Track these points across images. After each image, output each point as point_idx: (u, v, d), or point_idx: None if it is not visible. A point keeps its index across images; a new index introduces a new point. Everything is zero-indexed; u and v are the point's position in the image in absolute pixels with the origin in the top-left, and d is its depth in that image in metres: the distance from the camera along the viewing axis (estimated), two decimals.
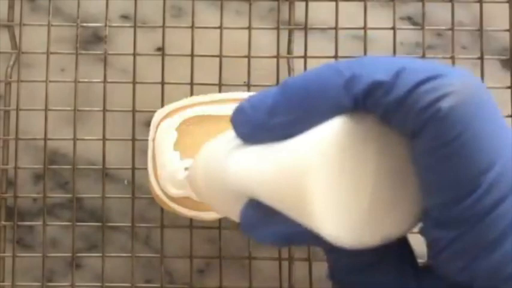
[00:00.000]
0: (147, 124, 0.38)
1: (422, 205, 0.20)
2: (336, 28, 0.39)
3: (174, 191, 0.35)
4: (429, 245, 0.20)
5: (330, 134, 0.19)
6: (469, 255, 0.18)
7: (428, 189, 0.19)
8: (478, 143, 0.18)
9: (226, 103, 0.37)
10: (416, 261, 0.22)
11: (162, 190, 0.36)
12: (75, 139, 0.39)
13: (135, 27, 0.39)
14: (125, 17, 0.42)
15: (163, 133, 0.36)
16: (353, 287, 0.21)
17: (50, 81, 0.39)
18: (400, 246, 0.21)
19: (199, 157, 0.25)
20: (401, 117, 0.18)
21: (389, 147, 0.19)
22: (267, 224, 0.21)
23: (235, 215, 0.23)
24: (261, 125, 0.21)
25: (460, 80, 0.18)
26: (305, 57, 0.39)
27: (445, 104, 0.18)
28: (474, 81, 0.19)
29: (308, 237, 0.20)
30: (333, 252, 0.21)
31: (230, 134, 0.23)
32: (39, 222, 0.39)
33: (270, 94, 0.21)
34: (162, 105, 0.38)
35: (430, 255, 0.20)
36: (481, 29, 0.39)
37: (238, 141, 0.22)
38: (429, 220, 0.19)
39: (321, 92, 0.19)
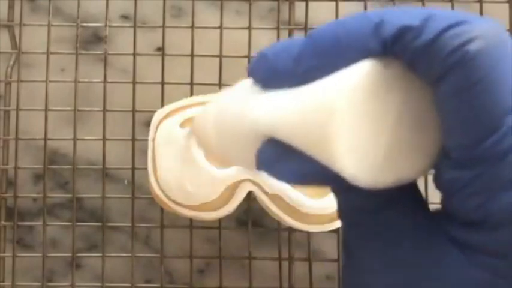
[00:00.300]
0: (147, 124, 0.38)
1: (440, 149, 0.20)
2: None
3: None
4: (445, 186, 0.21)
5: (356, 77, 0.19)
6: (486, 194, 0.19)
7: (450, 131, 0.20)
8: (502, 86, 0.19)
9: None
10: (428, 207, 0.22)
11: (162, 190, 0.36)
12: (75, 139, 0.39)
13: (135, 27, 0.39)
14: (125, 17, 0.42)
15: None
16: (363, 229, 0.21)
17: (50, 81, 0.39)
18: (413, 191, 0.22)
19: (209, 106, 0.26)
20: (429, 61, 0.19)
21: (412, 94, 0.20)
22: (285, 161, 0.21)
23: (249, 160, 0.23)
24: (286, 71, 0.21)
25: (486, 26, 0.19)
26: None
27: (472, 47, 0.18)
28: (499, 28, 0.19)
29: (324, 176, 0.21)
30: (347, 192, 0.21)
31: (246, 83, 0.24)
32: (39, 222, 0.39)
33: (296, 42, 0.22)
34: (162, 105, 0.38)
35: (445, 196, 0.21)
36: None
37: (256, 88, 0.23)
38: (448, 162, 0.20)
39: (349, 37, 0.20)
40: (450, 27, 0.19)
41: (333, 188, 0.22)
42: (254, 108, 0.22)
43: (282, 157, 0.21)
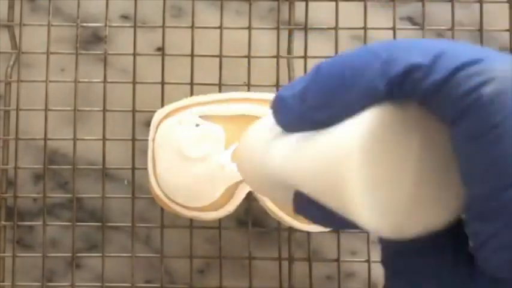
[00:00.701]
0: (147, 124, 0.38)
1: (465, 196, 0.19)
2: (336, 28, 0.39)
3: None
4: (470, 239, 0.19)
5: (369, 124, 0.18)
6: None
7: (467, 179, 0.18)
8: None
9: (226, 103, 0.37)
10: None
11: (162, 190, 0.36)
12: (75, 139, 0.39)
13: (135, 27, 0.39)
14: (125, 17, 0.42)
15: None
16: (403, 274, 0.20)
17: (50, 81, 0.39)
18: (453, 231, 0.20)
19: (242, 147, 0.25)
20: (440, 104, 0.18)
21: (431, 137, 0.19)
22: (314, 209, 0.21)
23: (284, 201, 0.23)
24: (295, 111, 0.21)
25: (503, 65, 0.17)
26: (305, 57, 0.39)
27: (487, 90, 0.17)
28: None
29: (354, 224, 0.20)
30: (381, 238, 0.20)
31: (270, 119, 0.23)
32: (39, 222, 0.39)
33: (304, 78, 0.21)
34: (162, 105, 0.38)
35: (472, 249, 0.19)
36: (481, 29, 0.39)
37: (278, 128, 0.22)
38: (469, 212, 0.19)
39: (355, 75, 0.19)
40: (462, 66, 0.17)
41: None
42: (273, 160, 0.22)
43: (311, 204, 0.21)
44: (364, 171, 0.18)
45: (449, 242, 0.20)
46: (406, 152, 0.18)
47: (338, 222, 0.21)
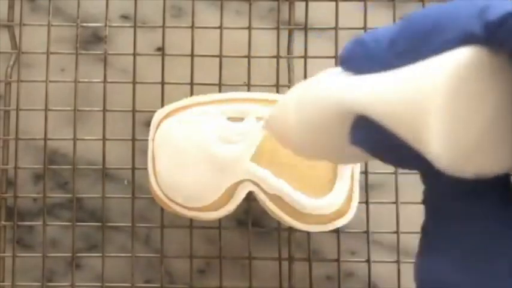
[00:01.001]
0: (147, 124, 0.38)
1: None
2: (336, 28, 0.39)
3: None
4: None
5: (459, 61, 0.19)
6: None
7: None
8: None
9: (226, 103, 0.37)
10: None
11: (162, 190, 0.36)
12: (75, 139, 0.39)
13: (135, 27, 0.39)
14: (125, 17, 0.42)
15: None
16: (446, 215, 0.21)
17: (50, 81, 0.39)
18: (504, 180, 0.21)
19: (287, 98, 0.25)
20: None
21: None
22: (379, 140, 0.21)
23: (334, 144, 0.23)
24: (380, 54, 0.21)
25: None
26: (305, 57, 0.39)
27: None
28: None
29: (415, 159, 0.20)
30: (435, 176, 0.20)
31: (330, 71, 0.24)
32: (39, 222, 0.39)
33: (393, 27, 0.21)
34: (162, 105, 0.38)
35: None
36: None
37: (345, 74, 0.23)
38: None
39: (451, 19, 0.19)
40: None
41: (421, 170, 0.21)
42: (346, 88, 0.22)
43: (376, 135, 0.21)
44: (443, 104, 0.18)
45: (499, 186, 0.20)
46: (487, 93, 0.19)
47: (397, 154, 0.21)
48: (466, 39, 0.19)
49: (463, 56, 0.19)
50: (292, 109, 0.25)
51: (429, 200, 0.22)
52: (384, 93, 0.20)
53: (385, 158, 0.22)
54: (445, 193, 0.21)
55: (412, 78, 0.20)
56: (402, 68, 0.20)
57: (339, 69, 0.23)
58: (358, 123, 0.22)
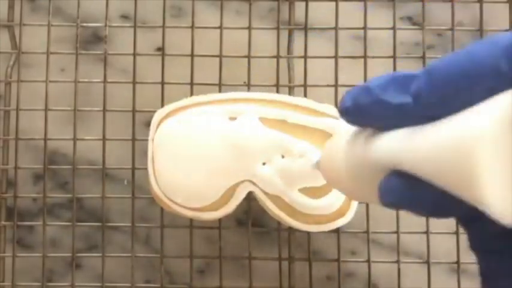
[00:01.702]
0: (147, 124, 0.38)
1: None
2: (336, 28, 0.39)
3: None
4: None
5: (503, 106, 0.18)
6: None
7: None
8: None
9: (226, 103, 0.37)
10: None
11: (162, 190, 0.36)
12: (75, 139, 0.39)
13: (135, 27, 0.39)
14: (125, 17, 0.42)
15: None
16: (505, 255, 0.20)
17: (50, 81, 0.39)
18: None
19: (336, 147, 0.25)
20: None
21: None
22: (412, 192, 0.20)
23: (373, 193, 0.23)
24: (402, 107, 0.20)
25: None
26: (305, 57, 0.39)
27: None
28: None
29: (457, 206, 0.19)
30: (483, 220, 0.20)
31: (347, 129, 0.23)
32: (39, 222, 0.39)
33: (409, 75, 0.20)
34: (162, 105, 0.38)
35: None
36: (481, 29, 0.39)
37: (366, 131, 0.22)
38: None
39: (475, 63, 0.19)
40: None
41: (465, 217, 0.20)
42: (372, 148, 0.22)
43: (411, 187, 0.20)
44: (494, 151, 0.18)
45: None
46: None
47: (443, 207, 0.20)
48: (497, 81, 0.18)
49: (505, 99, 0.18)
50: (343, 165, 0.24)
51: (481, 244, 0.21)
52: (420, 147, 0.20)
53: (419, 211, 0.21)
54: (499, 233, 0.20)
55: (452, 128, 0.19)
56: (438, 122, 0.19)
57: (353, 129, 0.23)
58: (388, 180, 0.21)
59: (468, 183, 0.18)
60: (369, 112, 0.21)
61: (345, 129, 0.25)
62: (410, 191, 0.20)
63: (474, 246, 0.21)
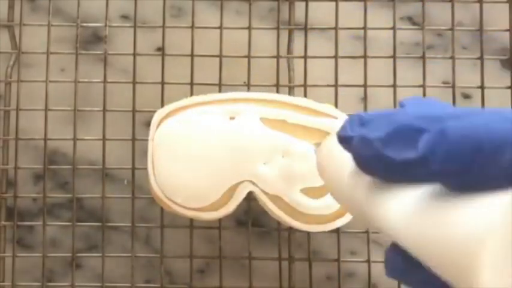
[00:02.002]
0: (147, 124, 0.38)
1: None
2: (336, 28, 0.39)
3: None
4: None
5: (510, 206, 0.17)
6: None
7: None
8: None
9: (226, 103, 0.37)
10: None
11: (162, 190, 0.36)
12: (75, 139, 0.39)
13: (135, 27, 0.39)
14: (125, 17, 0.42)
15: None
16: None
17: (50, 81, 0.39)
18: None
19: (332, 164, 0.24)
20: None
21: None
22: (413, 273, 0.20)
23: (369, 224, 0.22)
24: (409, 164, 0.19)
25: None
26: (305, 57, 0.39)
27: None
28: None
29: None
30: None
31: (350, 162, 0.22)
32: (39, 222, 0.39)
33: (415, 129, 0.19)
34: (162, 105, 0.38)
35: None
36: (481, 29, 0.39)
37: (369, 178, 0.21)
38: None
39: (495, 142, 0.17)
40: None
41: None
42: (381, 208, 0.20)
43: (409, 267, 0.20)
44: (499, 253, 0.17)
45: None
46: None
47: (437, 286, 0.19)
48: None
49: None
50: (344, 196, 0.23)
51: None
52: (423, 234, 0.19)
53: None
54: None
55: (458, 223, 0.18)
56: (446, 205, 0.18)
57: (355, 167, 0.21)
58: (392, 254, 0.20)
59: (468, 279, 0.17)
60: (369, 164, 0.20)
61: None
62: (412, 273, 0.20)
63: None
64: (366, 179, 0.22)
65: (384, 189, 0.21)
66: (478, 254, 0.17)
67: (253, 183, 0.36)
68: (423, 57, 0.39)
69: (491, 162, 0.17)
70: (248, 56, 0.39)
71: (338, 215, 0.36)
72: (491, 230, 0.17)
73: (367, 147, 0.20)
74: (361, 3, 0.39)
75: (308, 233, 0.38)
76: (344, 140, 0.21)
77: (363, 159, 0.20)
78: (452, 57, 0.39)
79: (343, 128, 0.22)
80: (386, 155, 0.19)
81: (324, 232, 0.37)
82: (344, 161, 0.23)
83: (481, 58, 0.39)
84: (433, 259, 0.19)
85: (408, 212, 0.19)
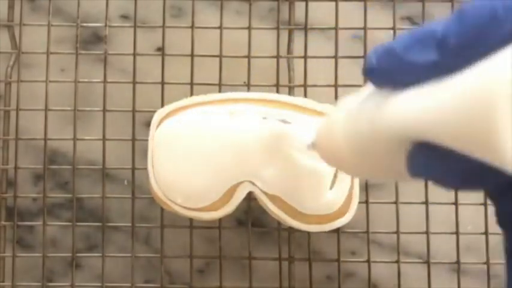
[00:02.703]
0: (147, 124, 0.38)
1: None
2: (336, 28, 0.39)
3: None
4: None
5: None
6: None
7: None
8: None
9: (226, 103, 0.37)
10: None
11: (162, 190, 0.36)
12: (75, 139, 0.39)
13: (135, 27, 0.39)
14: (125, 17, 0.42)
15: None
16: None
17: (50, 81, 0.39)
18: None
19: (332, 118, 0.24)
20: None
21: None
22: (440, 164, 0.20)
23: (394, 169, 0.21)
24: (426, 62, 0.19)
25: None
26: (305, 57, 0.39)
27: None
28: None
29: (487, 175, 0.18)
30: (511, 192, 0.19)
31: (365, 90, 0.22)
32: (39, 222, 0.39)
33: (433, 28, 0.19)
34: (162, 105, 0.38)
35: None
36: None
37: (385, 92, 0.21)
38: None
39: (507, 8, 0.18)
40: None
41: (494, 190, 0.20)
42: (395, 111, 0.20)
43: (436, 160, 0.20)
44: None
45: None
46: None
47: (468, 178, 0.19)
48: None
49: None
50: (342, 139, 0.23)
51: (508, 220, 0.20)
52: (439, 112, 0.18)
53: (448, 183, 0.20)
54: None
55: (467, 86, 0.17)
56: (452, 78, 0.18)
57: (371, 88, 0.22)
58: (415, 151, 0.20)
59: (489, 145, 0.17)
60: (394, 74, 0.20)
61: (340, 106, 0.24)
62: (439, 163, 0.19)
63: (502, 221, 0.20)
64: (368, 107, 0.22)
65: (392, 101, 0.21)
66: (493, 113, 0.16)
67: (253, 183, 0.36)
68: None
69: (506, 19, 0.17)
70: (248, 56, 0.39)
71: (338, 215, 0.36)
72: (501, 84, 0.16)
73: (391, 56, 0.20)
74: (361, 3, 0.39)
75: (308, 233, 0.38)
76: (372, 57, 0.21)
77: (389, 70, 0.21)
78: None
79: (368, 58, 0.22)
80: (409, 60, 0.20)
81: (324, 232, 0.37)
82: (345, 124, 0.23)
83: None
84: (452, 137, 0.18)
85: (422, 101, 0.19)
